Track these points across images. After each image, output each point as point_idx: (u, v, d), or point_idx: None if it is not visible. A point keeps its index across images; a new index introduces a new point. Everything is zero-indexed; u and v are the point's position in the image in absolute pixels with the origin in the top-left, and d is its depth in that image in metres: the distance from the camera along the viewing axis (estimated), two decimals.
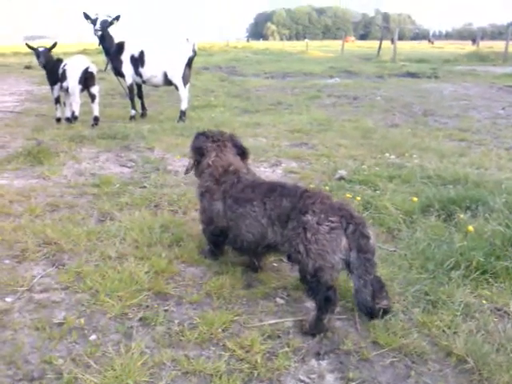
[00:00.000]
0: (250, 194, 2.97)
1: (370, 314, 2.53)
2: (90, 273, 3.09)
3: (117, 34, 8.77)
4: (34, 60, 10.03)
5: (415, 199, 4.31)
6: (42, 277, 3.13)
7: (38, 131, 7.54)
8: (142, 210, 4.18)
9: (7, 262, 3.34)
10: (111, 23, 8.61)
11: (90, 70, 7.88)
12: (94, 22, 8.60)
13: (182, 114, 8.62)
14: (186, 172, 3.44)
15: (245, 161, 3.39)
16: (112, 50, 8.74)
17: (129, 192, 4.72)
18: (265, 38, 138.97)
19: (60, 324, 2.62)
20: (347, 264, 2.53)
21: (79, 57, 8.41)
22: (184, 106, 8.61)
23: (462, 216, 3.86)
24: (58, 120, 8.37)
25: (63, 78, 7.92)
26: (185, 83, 8.55)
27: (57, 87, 8.18)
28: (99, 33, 8.56)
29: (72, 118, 8.07)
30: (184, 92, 8.56)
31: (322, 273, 2.54)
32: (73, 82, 7.82)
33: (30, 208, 4.23)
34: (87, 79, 7.90)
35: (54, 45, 8.33)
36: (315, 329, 2.59)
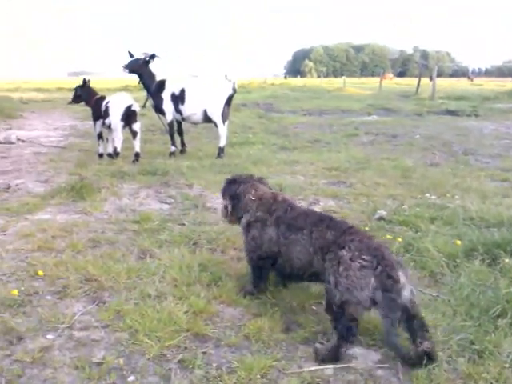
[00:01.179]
0: (302, 222, 3.09)
1: (401, 354, 2.61)
2: (129, 311, 3.11)
3: (159, 71, 9.09)
4: None
5: (458, 242, 4.21)
6: (82, 314, 3.16)
7: (81, 166, 7.74)
8: (181, 248, 4.20)
9: (49, 297, 3.39)
10: (147, 62, 8.94)
11: (132, 107, 8.11)
12: (136, 60, 8.99)
13: (221, 150, 8.74)
14: (225, 217, 3.61)
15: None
16: (153, 88, 9.01)
17: (168, 229, 4.76)
18: (302, 74, 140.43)
19: (99, 363, 2.62)
20: (374, 303, 2.61)
21: (122, 94, 8.70)
22: (222, 142, 8.73)
23: (507, 260, 3.73)
24: (101, 155, 8.58)
25: (106, 114, 8.18)
26: (224, 120, 8.69)
27: (99, 123, 8.43)
28: (126, 71, 9.01)
29: (114, 154, 8.28)
30: (223, 129, 8.69)
31: (348, 306, 2.64)
32: (115, 118, 8.05)
33: (72, 243, 4.31)
34: (129, 116, 8.13)
35: (84, 81, 8.73)
36: (332, 356, 2.67)
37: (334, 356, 2.67)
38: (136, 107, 8.23)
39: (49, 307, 3.23)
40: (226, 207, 3.55)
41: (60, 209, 5.50)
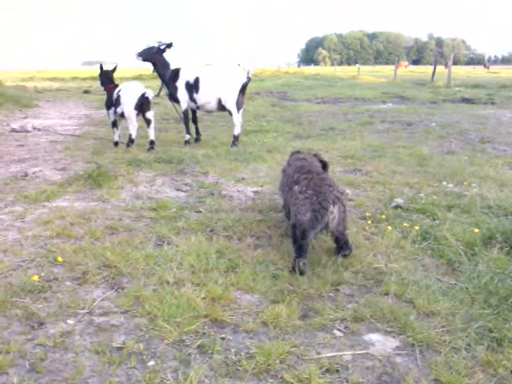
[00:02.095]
0: (292, 171, 4.14)
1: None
2: (148, 297, 3.13)
3: (172, 59, 9.11)
4: (93, 85, 10.43)
5: (476, 230, 4.18)
6: (101, 300, 3.19)
7: (97, 154, 7.80)
8: (198, 235, 4.22)
9: (68, 283, 3.43)
10: (162, 50, 8.96)
11: (146, 95, 8.11)
12: (152, 47, 9.00)
13: (235, 138, 8.73)
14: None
15: (325, 170, 4.46)
16: (167, 76, 9.01)
17: (185, 216, 4.78)
18: (316, 63, 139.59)
19: (119, 348, 2.66)
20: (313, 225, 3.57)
21: (134, 83, 8.72)
22: (237, 131, 8.72)
23: None
24: (116, 144, 8.62)
25: (117, 103, 8.21)
26: (238, 109, 8.68)
27: (111, 112, 8.47)
28: (139, 59, 9.07)
29: (129, 142, 8.31)
30: (237, 117, 8.68)
31: (296, 227, 3.60)
32: (129, 107, 8.08)
33: (90, 230, 4.35)
34: (143, 104, 8.15)
35: (100, 67, 8.83)
36: (293, 267, 3.54)
37: (293, 266, 3.53)
38: (150, 95, 8.23)
39: (69, 293, 3.27)
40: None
41: (78, 196, 5.55)
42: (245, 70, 8.60)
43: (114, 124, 8.61)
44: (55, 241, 4.16)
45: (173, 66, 9.06)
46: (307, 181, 3.73)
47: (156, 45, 9.07)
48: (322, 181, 3.73)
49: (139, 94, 8.09)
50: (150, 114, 8.32)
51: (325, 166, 4.50)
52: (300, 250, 3.55)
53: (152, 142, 8.32)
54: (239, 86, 8.58)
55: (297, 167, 4.11)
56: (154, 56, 9.04)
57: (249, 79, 8.70)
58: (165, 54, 9.09)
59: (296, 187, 3.75)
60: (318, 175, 3.85)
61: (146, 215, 4.85)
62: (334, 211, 3.56)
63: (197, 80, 8.69)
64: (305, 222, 3.54)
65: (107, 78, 8.70)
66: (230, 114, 8.71)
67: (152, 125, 8.35)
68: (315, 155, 4.59)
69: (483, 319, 2.92)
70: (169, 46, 9.09)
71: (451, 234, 4.14)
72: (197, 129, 9.42)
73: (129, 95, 8.15)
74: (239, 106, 8.71)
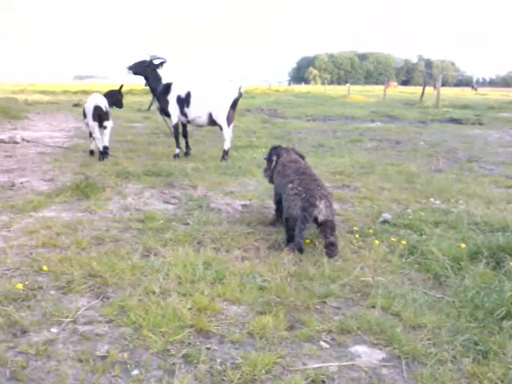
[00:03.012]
0: (288, 172, 4.57)
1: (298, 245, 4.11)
2: (133, 307, 3.10)
3: (165, 74, 9.17)
4: (83, 98, 10.53)
5: (463, 246, 4.20)
6: (86, 309, 3.16)
7: (85, 166, 7.78)
8: (186, 247, 4.20)
9: (53, 292, 3.39)
10: (155, 65, 9.09)
11: (101, 107, 8.42)
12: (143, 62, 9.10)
13: (225, 153, 8.75)
14: (266, 171, 5.14)
15: (303, 160, 5.01)
16: (159, 90, 9.05)
17: (172, 228, 4.76)
18: (306, 81, 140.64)
19: (103, 357, 2.62)
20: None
21: (93, 95, 8.98)
22: (227, 145, 8.74)
23: None
24: (91, 152, 9.00)
25: (84, 115, 8.74)
26: (229, 124, 8.71)
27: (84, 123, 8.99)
28: (130, 72, 9.20)
29: (99, 153, 8.60)
30: (228, 132, 8.71)
31: (288, 220, 4.24)
32: (89, 119, 8.44)
33: (76, 240, 4.32)
34: (100, 116, 8.40)
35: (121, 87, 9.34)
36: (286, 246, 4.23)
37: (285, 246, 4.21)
38: (103, 105, 8.48)
39: (53, 302, 3.23)
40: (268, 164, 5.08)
41: (64, 207, 5.51)
42: (236, 86, 8.65)
43: (90, 134, 8.89)
44: (41, 250, 4.12)
45: (164, 81, 9.11)
46: (299, 180, 4.26)
47: (148, 58, 9.11)
48: (313, 180, 4.30)
49: (94, 106, 8.36)
50: (107, 123, 8.53)
51: (302, 158, 5.05)
52: (289, 239, 4.20)
53: (105, 148, 8.56)
54: (230, 101, 8.62)
55: (292, 169, 4.59)
56: (145, 70, 9.08)
57: (240, 94, 8.75)
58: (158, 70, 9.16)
59: (290, 185, 4.27)
60: (310, 176, 4.40)
61: (134, 226, 4.82)
62: (321, 205, 4.07)
63: (188, 94, 8.73)
64: (295, 215, 4.10)
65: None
66: (221, 128, 8.74)
67: (107, 131, 8.54)
68: (293, 149, 5.13)
69: (469, 332, 2.92)
70: (162, 63, 9.17)
71: (438, 249, 4.15)
72: (187, 143, 9.42)
73: (87, 107, 8.52)
74: (230, 120, 8.74)
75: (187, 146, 9.42)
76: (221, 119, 8.64)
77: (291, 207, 4.16)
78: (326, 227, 4.14)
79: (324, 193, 4.18)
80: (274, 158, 4.99)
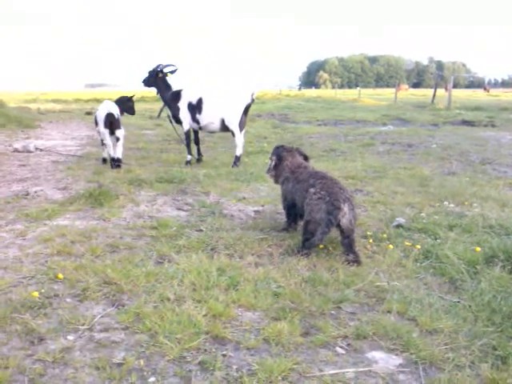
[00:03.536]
0: (305, 176, 4.62)
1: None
2: (148, 314, 3.11)
3: (175, 81, 9.28)
4: (95, 107, 10.68)
5: (478, 249, 4.17)
6: (102, 316, 3.17)
7: (98, 174, 7.82)
8: (199, 253, 4.21)
9: (69, 300, 3.41)
10: (164, 74, 9.15)
11: (113, 114, 8.41)
12: (153, 71, 9.20)
13: (237, 159, 8.76)
14: (268, 171, 5.16)
15: (308, 161, 5.09)
16: (169, 98, 9.12)
17: (186, 235, 4.78)
18: (317, 86, 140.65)
19: (120, 364, 2.63)
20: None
21: (105, 102, 9.00)
22: (239, 151, 8.76)
23: None
24: (104, 160, 9.06)
25: (95, 123, 8.76)
26: (241, 129, 8.73)
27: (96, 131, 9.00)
28: (143, 85, 9.47)
29: (111, 161, 8.60)
30: (240, 138, 8.73)
31: (309, 224, 4.24)
32: (101, 127, 8.46)
33: (91, 248, 4.34)
34: (111, 123, 8.39)
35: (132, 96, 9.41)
36: (300, 249, 4.26)
37: (302, 249, 4.23)
38: (115, 112, 8.47)
39: (69, 309, 3.25)
40: (271, 163, 5.09)
41: (79, 215, 5.55)
42: (249, 91, 8.68)
43: (102, 142, 8.94)
44: (56, 258, 4.15)
45: (175, 88, 9.19)
46: (321, 184, 4.30)
47: (158, 68, 9.19)
48: (335, 184, 4.34)
49: (106, 113, 8.37)
50: (119, 133, 8.48)
51: (306, 158, 5.13)
52: (305, 242, 4.23)
53: (118, 160, 8.52)
54: (243, 107, 8.66)
55: (308, 173, 4.66)
56: (155, 80, 9.21)
57: (252, 100, 8.78)
58: (167, 78, 9.25)
59: (312, 189, 4.30)
60: (331, 180, 4.44)
61: (147, 233, 4.84)
62: (345, 208, 4.10)
63: (200, 101, 8.78)
64: (319, 219, 4.14)
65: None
66: (233, 134, 8.76)
67: (120, 142, 8.51)
68: (297, 149, 5.15)
69: (487, 337, 2.89)
70: (172, 72, 9.27)
71: (453, 253, 4.12)
72: (198, 149, 9.46)
73: (99, 115, 8.52)
74: (242, 126, 8.77)
75: (199, 153, 9.45)
76: (233, 125, 8.67)
77: (314, 211, 4.18)
78: (346, 239, 4.18)
79: (347, 195, 4.23)
80: (274, 157, 5.05)
